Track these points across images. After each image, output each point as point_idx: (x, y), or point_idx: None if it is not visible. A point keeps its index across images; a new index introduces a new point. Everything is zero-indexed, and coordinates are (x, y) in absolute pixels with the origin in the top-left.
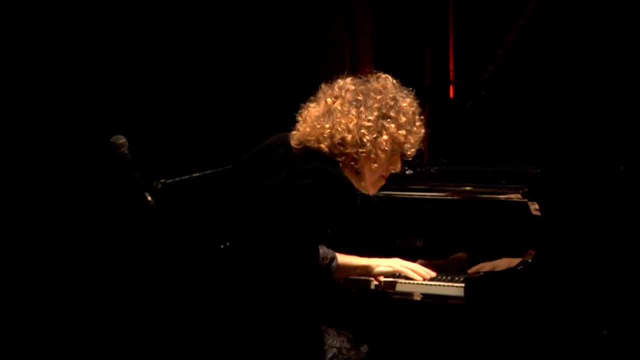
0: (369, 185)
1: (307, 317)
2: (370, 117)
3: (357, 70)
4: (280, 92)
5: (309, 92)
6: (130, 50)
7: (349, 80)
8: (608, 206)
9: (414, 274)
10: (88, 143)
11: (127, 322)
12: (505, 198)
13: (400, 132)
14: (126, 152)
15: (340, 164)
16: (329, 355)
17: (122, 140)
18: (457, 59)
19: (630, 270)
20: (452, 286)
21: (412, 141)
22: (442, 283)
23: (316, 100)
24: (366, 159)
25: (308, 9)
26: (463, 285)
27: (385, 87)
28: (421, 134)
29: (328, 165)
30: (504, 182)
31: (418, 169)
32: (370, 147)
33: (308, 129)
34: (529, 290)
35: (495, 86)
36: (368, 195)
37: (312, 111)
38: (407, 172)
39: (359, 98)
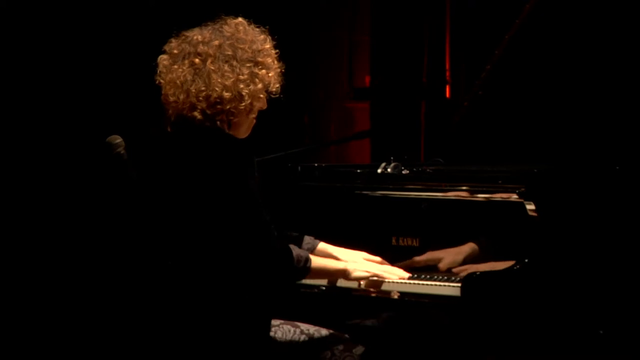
0: (244, 131)
1: (263, 317)
2: (244, 70)
3: (354, 69)
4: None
5: (307, 91)
6: (127, 49)
7: (207, 33)
8: (605, 206)
9: (389, 275)
10: (84, 143)
11: (123, 323)
12: (501, 198)
13: (269, 74)
14: (122, 152)
15: (218, 123)
16: (320, 356)
17: (118, 140)
18: (454, 59)
19: (627, 269)
20: (449, 286)
21: (277, 77)
22: (438, 283)
23: (175, 59)
24: (243, 111)
25: (308, 6)
26: (459, 285)
27: (246, 33)
28: (281, 68)
29: (203, 136)
30: (500, 181)
31: (414, 169)
32: (248, 98)
33: (182, 95)
34: (525, 290)
35: (492, 86)
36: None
37: (179, 73)
38: (403, 172)
39: (229, 52)
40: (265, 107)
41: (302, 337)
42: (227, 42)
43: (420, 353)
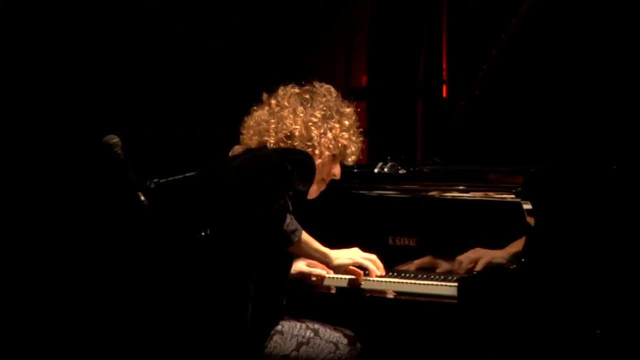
0: (311, 190)
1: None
2: (317, 114)
3: (351, 68)
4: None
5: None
6: (123, 49)
7: (290, 86)
8: (601, 205)
9: (372, 266)
10: (81, 142)
11: (121, 323)
12: (498, 197)
13: (343, 134)
14: (119, 151)
15: None
16: (326, 351)
17: (115, 139)
18: (451, 59)
19: (623, 269)
20: (446, 285)
21: (353, 148)
22: (435, 282)
23: (258, 109)
24: (312, 155)
25: (305, 7)
26: (456, 285)
27: (329, 93)
28: (361, 144)
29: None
30: (497, 181)
31: (411, 169)
32: (317, 142)
33: (252, 131)
34: (522, 290)
35: (489, 86)
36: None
37: (255, 115)
38: (400, 172)
39: (306, 97)
40: (338, 175)
41: (308, 332)
42: (307, 90)
43: (419, 351)
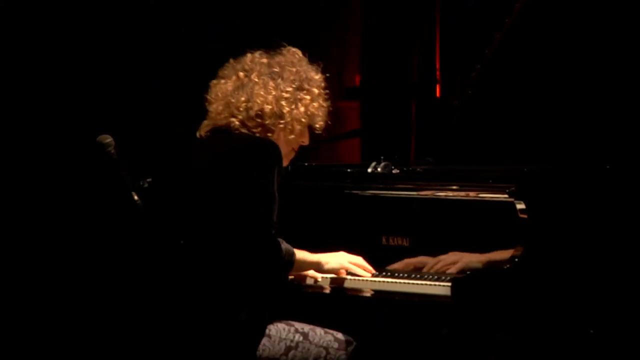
0: (283, 156)
1: (260, 309)
2: (288, 89)
3: (345, 67)
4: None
5: None
6: (123, 49)
7: (258, 53)
8: (595, 205)
9: (362, 271)
10: (75, 142)
11: (114, 322)
12: (491, 197)
13: (313, 104)
14: (113, 151)
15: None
16: (315, 355)
17: (108, 139)
18: (444, 58)
19: (617, 268)
20: (439, 285)
21: (321, 114)
22: (428, 282)
23: (225, 77)
24: (282, 130)
25: (298, 6)
26: (449, 284)
27: (298, 60)
28: (328, 108)
29: (236, 135)
30: (490, 181)
31: (405, 168)
32: (289, 118)
33: (221, 107)
34: (516, 290)
35: (483, 86)
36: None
37: (223, 87)
38: (393, 171)
39: (275, 69)
40: (307, 142)
41: (297, 336)
42: (276, 61)
43: (413, 352)
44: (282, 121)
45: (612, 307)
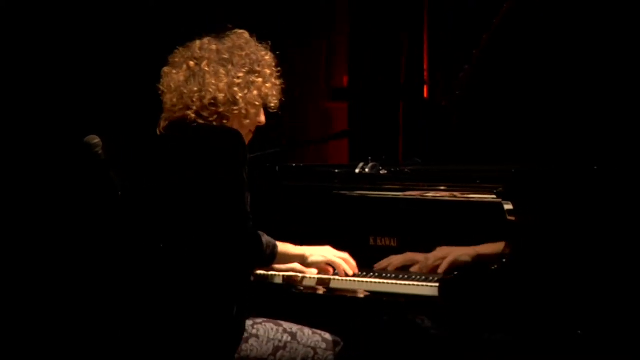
0: None
1: (240, 306)
2: (240, 74)
3: (332, 69)
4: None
5: (285, 91)
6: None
7: (207, 40)
8: (582, 206)
9: (346, 267)
10: (62, 143)
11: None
12: (479, 198)
13: (266, 85)
14: (100, 152)
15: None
16: (303, 355)
17: (96, 140)
18: (432, 59)
19: (604, 269)
20: (427, 286)
21: (274, 93)
22: (416, 283)
23: (175, 66)
24: (238, 116)
25: (285, 6)
26: (437, 285)
27: (246, 43)
28: (280, 86)
29: (196, 128)
30: (478, 181)
31: (392, 169)
32: (243, 103)
33: (175, 99)
34: (503, 290)
35: (471, 86)
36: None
37: (175, 77)
38: (381, 172)
39: (225, 56)
40: (263, 122)
41: (285, 336)
42: (225, 47)
43: (401, 353)
44: (236, 107)
45: (600, 308)
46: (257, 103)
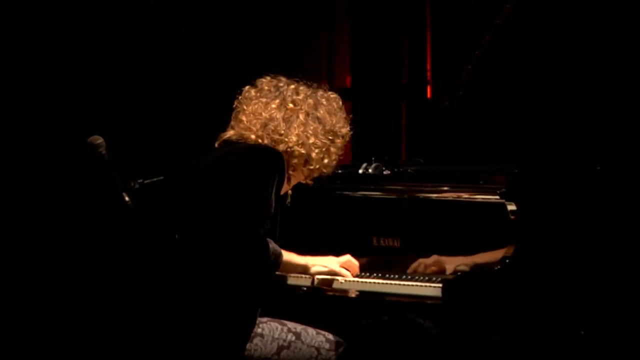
0: (291, 183)
1: (248, 307)
2: (324, 140)
3: (334, 69)
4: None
5: None
6: (123, 49)
7: (303, 88)
8: (585, 206)
9: (348, 274)
10: (66, 143)
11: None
12: (482, 198)
13: (337, 154)
14: (104, 152)
15: None
16: (307, 356)
17: (99, 140)
18: (435, 59)
19: (607, 269)
20: (430, 286)
21: (334, 165)
22: (419, 283)
23: (262, 93)
24: (303, 172)
25: (285, 8)
26: (440, 286)
27: (337, 109)
28: (341, 156)
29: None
30: (481, 182)
31: (395, 169)
32: (315, 165)
33: (257, 126)
34: (506, 291)
35: (473, 86)
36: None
37: (266, 107)
38: (384, 172)
39: (319, 115)
40: (311, 184)
41: (289, 335)
42: (323, 107)
43: (403, 353)
44: (308, 166)
45: (603, 308)
46: (324, 170)
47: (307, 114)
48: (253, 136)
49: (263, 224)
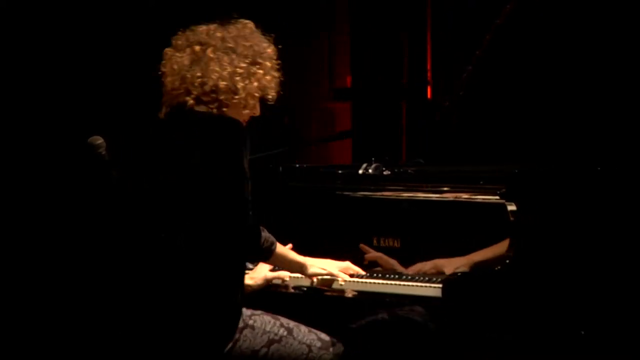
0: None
1: (234, 295)
2: (243, 64)
3: (334, 69)
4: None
5: (284, 94)
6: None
7: (213, 26)
8: (585, 206)
9: (346, 277)
10: (66, 143)
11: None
12: (482, 199)
13: (266, 77)
14: (104, 152)
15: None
16: (298, 352)
17: (99, 141)
18: (435, 59)
19: (607, 269)
20: (430, 287)
21: (273, 85)
22: (419, 284)
23: (178, 48)
24: (237, 105)
25: (285, 8)
26: (440, 286)
27: (251, 33)
28: (279, 79)
29: (197, 117)
30: (481, 182)
31: (396, 170)
32: (243, 93)
33: (177, 82)
34: (506, 291)
35: (474, 86)
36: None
37: (178, 60)
38: (384, 173)
39: (230, 45)
40: (258, 113)
41: (281, 330)
42: (231, 36)
43: (404, 354)
44: (236, 97)
45: (603, 308)
46: (256, 94)
47: (216, 49)
48: (180, 97)
49: (248, 204)
